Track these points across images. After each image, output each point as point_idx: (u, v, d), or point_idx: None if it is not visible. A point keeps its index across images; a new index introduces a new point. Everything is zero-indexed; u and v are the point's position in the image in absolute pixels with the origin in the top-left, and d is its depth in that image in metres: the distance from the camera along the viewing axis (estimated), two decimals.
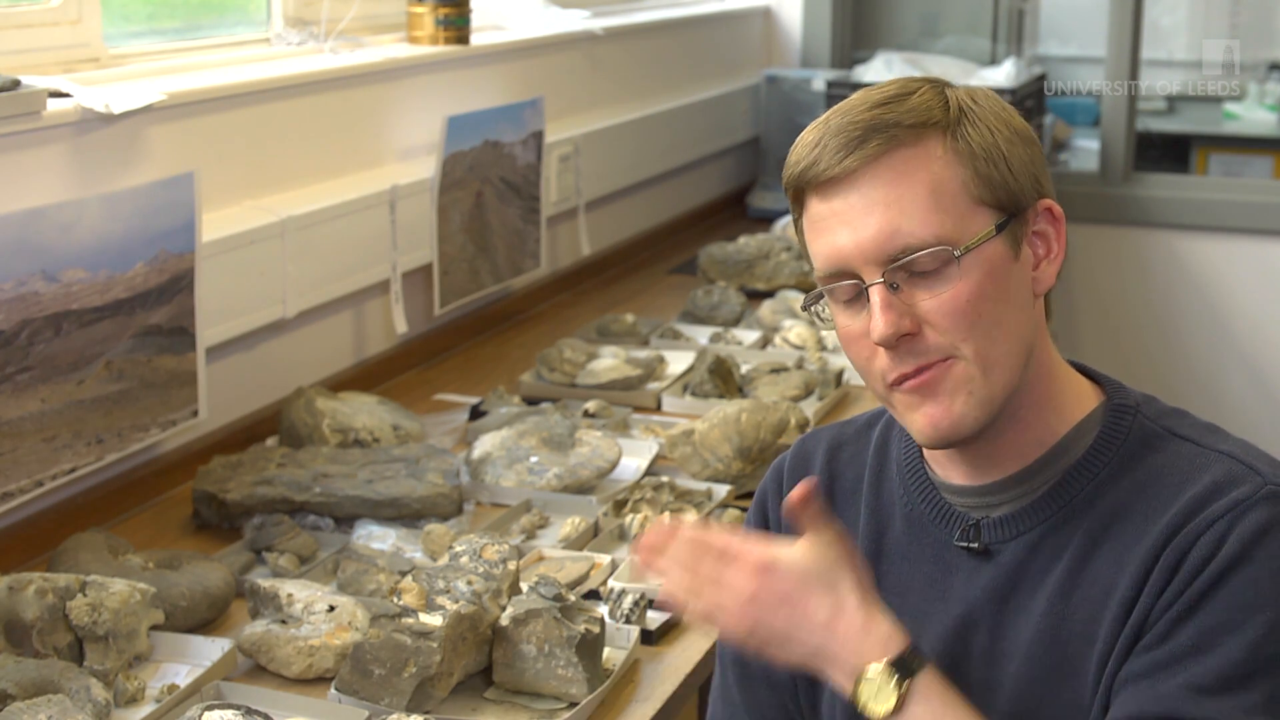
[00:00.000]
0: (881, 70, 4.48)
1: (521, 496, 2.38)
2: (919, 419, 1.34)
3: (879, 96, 1.34)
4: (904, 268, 1.31)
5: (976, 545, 1.39)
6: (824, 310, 1.38)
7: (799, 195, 1.37)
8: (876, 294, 1.31)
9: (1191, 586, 1.27)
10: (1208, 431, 1.38)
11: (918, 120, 1.32)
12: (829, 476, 1.51)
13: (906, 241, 1.30)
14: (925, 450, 1.44)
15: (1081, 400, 1.40)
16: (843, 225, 1.33)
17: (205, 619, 2.00)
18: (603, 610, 1.98)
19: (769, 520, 1.54)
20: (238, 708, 1.67)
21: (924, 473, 1.45)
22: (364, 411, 2.59)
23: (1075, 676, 1.33)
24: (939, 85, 1.36)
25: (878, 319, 1.31)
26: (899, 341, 1.32)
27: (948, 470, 1.42)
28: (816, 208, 1.35)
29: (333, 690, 1.79)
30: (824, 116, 1.36)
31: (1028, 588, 1.37)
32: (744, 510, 2.32)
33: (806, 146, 1.35)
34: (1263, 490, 1.29)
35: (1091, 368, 1.44)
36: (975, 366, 1.32)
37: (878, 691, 1.29)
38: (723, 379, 2.84)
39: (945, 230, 1.30)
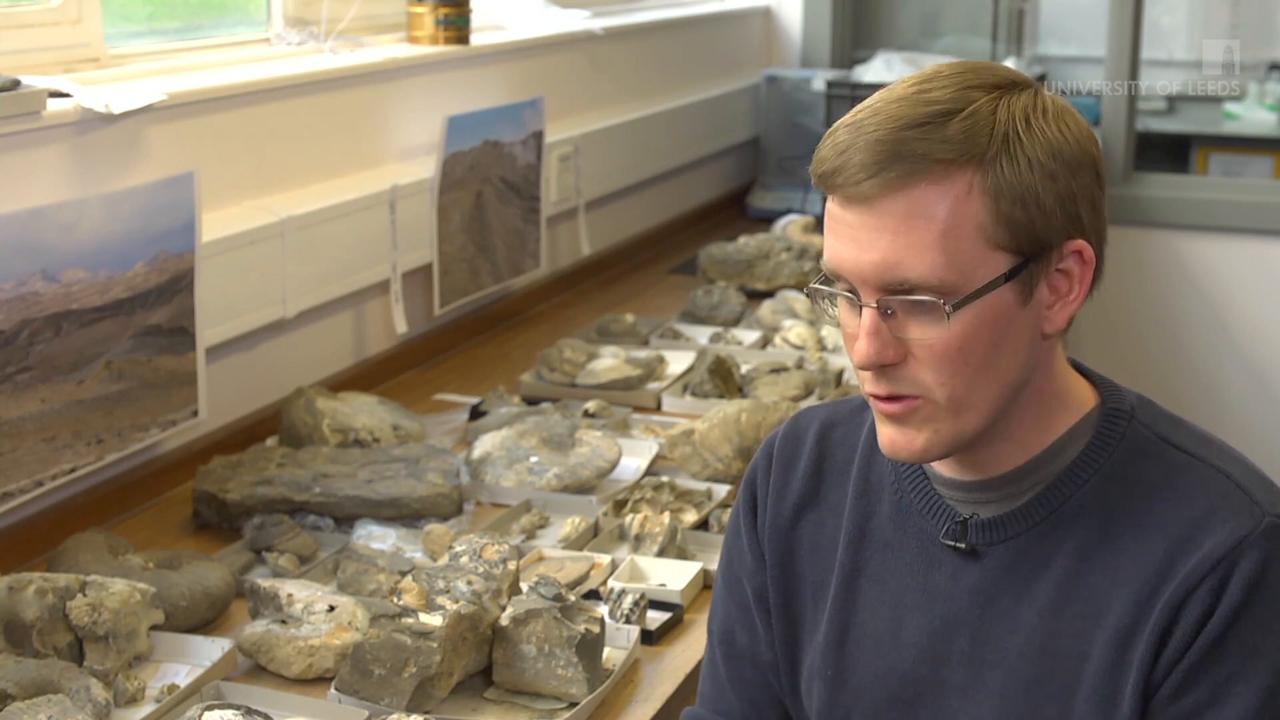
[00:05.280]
0: (881, 70, 4.48)
1: (521, 496, 2.38)
2: (882, 433, 1.34)
3: (922, 113, 1.26)
4: (899, 299, 1.28)
5: (963, 545, 1.38)
6: (829, 304, 1.36)
7: (820, 187, 1.33)
8: (868, 317, 1.29)
9: (1200, 636, 1.27)
10: (1203, 443, 1.36)
11: (951, 154, 1.25)
12: (819, 455, 1.50)
13: (905, 277, 1.27)
14: None
15: (1077, 404, 1.38)
16: (850, 240, 1.29)
17: (205, 619, 2.00)
18: (603, 610, 1.97)
19: (758, 498, 1.53)
20: (238, 708, 1.67)
21: None
22: (364, 411, 2.59)
23: (1063, 692, 1.33)
24: (995, 99, 1.28)
25: (862, 343, 1.29)
26: (879, 367, 1.30)
27: (939, 462, 1.41)
28: (833, 210, 1.32)
29: (333, 690, 1.79)
30: (860, 115, 1.29)
31: (1013, 594, 1.36)
32: None
33: (835, 149, 1.29)
34: (1262, 525, 1.28)
35: (1087, 367, 1.42)
36: (945, 409, 1.30)
37: None
38: (723, 379, 2.84)
39: (948, 275, 1.26)
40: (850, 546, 1.45)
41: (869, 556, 1.44)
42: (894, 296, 1.28)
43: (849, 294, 1.32)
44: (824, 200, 1.35)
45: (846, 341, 1.35)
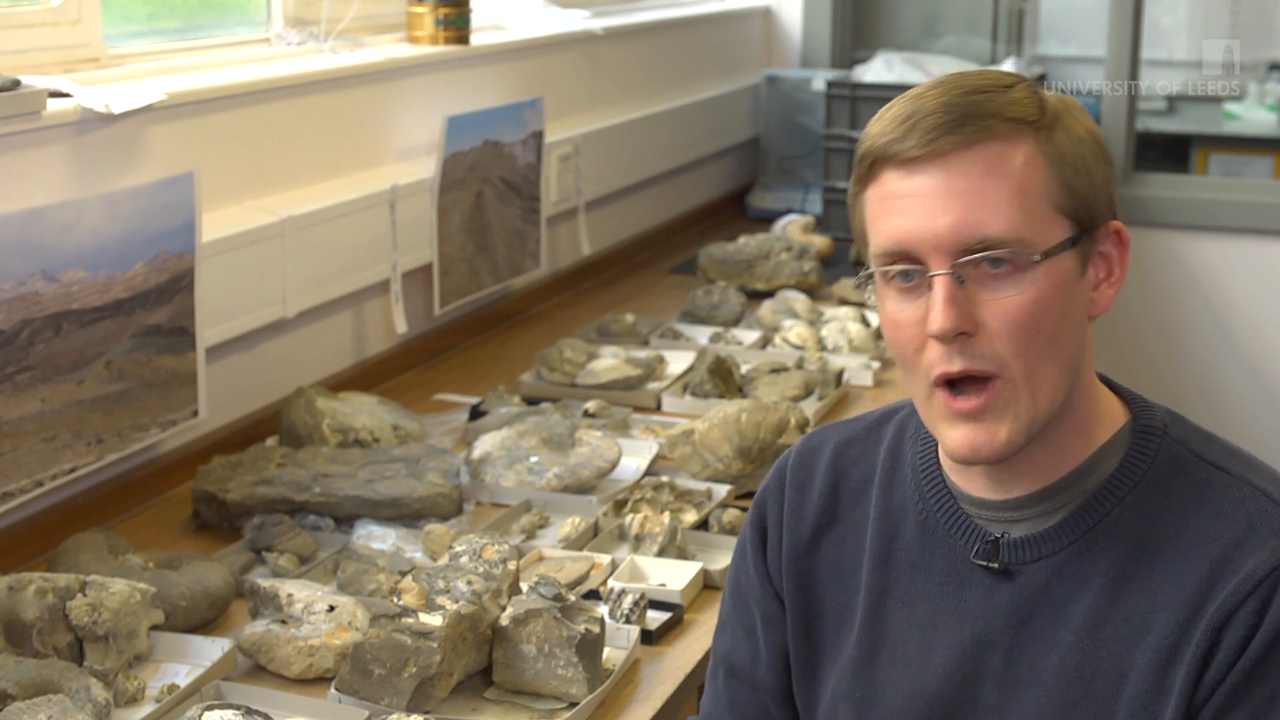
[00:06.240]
0: (881, 70, 4.47)
1: (521, 496, 2.38)
2: (957, 437, 1.31)
3: (980, 82, 1.30)
4: (975, 263, 1.27)
5: (995, 565, 1.36)
6: (871, 293, 1.34)
7: (874, 167, 1.32)
8: (941, 285, 1.27)
9: (1242, 657, 1.26)
10: (1237, 459, 1.36)
11: (1017, 115, 1.28)
12: (835, 475, 1.48)
13: (987, 234, 1.26)
14: (943, 458, 1.42)
15: (1108, 419, 1.37)
16: (919, 207, 1.28)
17: (205, 619, 2.00)
18: (603, 610, 1.97)
19: (768, 523, 1.51)
20: (238, 708, 1.67)
21: (940, 479, 1.42)
22: (364, 411, 2.59)
23: (1101, 713, 1.31)
24: (1033, 84, 1.33)
25: (939, 311, 1.27)
26: (955, 338, 1.28)
27: (966, 480, 1.39)
28: (892, 183, 1.30)
29: (333, 690, 1.79)
30: (916, 90, 1.31)
31: (1049, 613, 1.34)
32: (744, 510, 2.31)
33: (896, 120, 1.30)
34: None
35: (1115, 382, 1.41)
36: (1023, 387, 1.28)
37: None
38: (723, 379, 2.84)
39: (1025, 232, 1.27)
40: (876, 569, 1.43)
41: (896, 578, 1.42)
42: (971, 257, 1.27)
43: (914, 268, 1.29)
44: (859, 192, 1.34)
45: (896, 331, 1.32)
